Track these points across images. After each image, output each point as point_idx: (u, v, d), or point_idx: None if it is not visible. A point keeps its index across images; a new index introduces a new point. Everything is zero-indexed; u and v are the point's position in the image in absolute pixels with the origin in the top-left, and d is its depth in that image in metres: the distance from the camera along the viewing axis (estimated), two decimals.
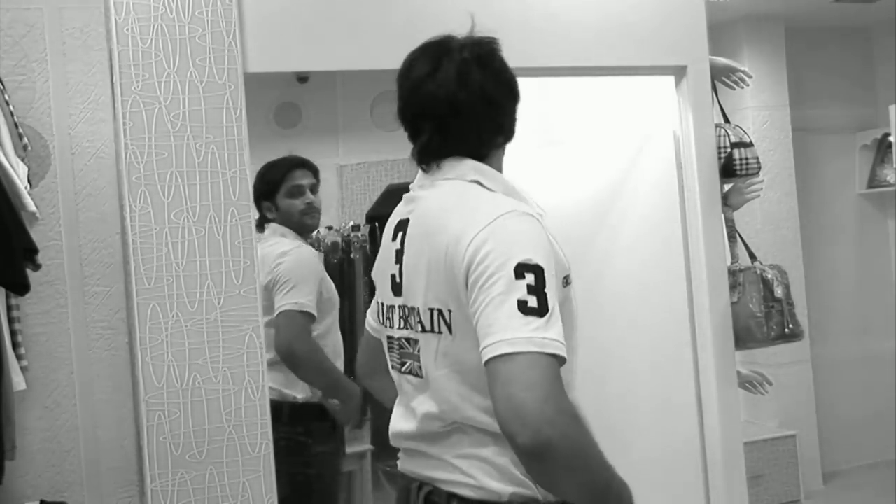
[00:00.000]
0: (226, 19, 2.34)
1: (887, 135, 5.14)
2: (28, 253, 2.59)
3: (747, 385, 3.09)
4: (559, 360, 1.28)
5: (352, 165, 4.47)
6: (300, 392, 2.80)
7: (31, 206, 2.68)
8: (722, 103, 2.99)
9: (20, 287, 2.53)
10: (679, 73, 2.85)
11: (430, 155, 1.52)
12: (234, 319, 2.29)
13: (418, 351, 1.47)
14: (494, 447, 1.41)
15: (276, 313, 2.71)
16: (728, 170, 2.87)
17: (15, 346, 2.70)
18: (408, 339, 1.50)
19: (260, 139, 2.67)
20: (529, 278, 1.30)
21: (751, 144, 2.91)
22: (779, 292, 2.78)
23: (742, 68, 3.00)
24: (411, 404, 1.52)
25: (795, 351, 4.62)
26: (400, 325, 1.52)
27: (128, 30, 2.26)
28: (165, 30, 2.29)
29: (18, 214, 2.55)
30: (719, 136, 2.88)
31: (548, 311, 1.29)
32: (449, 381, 1.43)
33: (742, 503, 2.84)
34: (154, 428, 2.23)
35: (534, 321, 1.28)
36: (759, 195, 3.00)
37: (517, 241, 1.35)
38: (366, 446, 4.07)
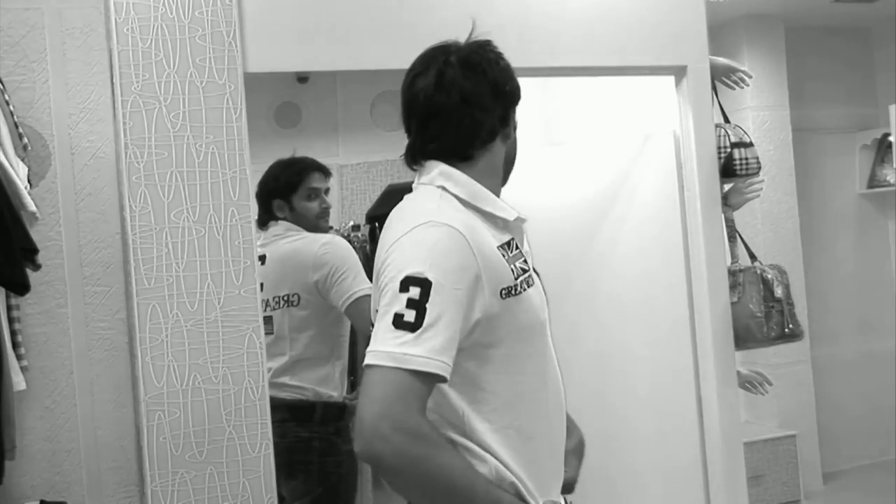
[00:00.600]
0: (226, 19, 2.34)
1: (887, 135, 5.14)
2: (28, 253, 2.59)
3: (747, 385, 3.09)
4: (425, 377, 1.29)
5: (352, 165, 4.47)
6: (334, 390, 2.80)
7: (31, 206, 2.68)
8: (722, 103, 2.99)
9: (20, 287, 2.53)
10: (679, 73, 2.85)
11: (412, 155, 1.57)
12: (234, 319, 2.29)
13: None
14: None
15: (352, 299, 2.68)
16: (728, 170, 2.87)
17: (15, 346, 2.70)
18: None
19: (260, 139, 2.67)
20: (413, 292, 1.32)
21: (751, 144, 2.91)
22: (779, 292, 2.78)
23: (742, 68, 3.01)
24: None
25: (795, 351, 4.62)
26: None
27: (128, 30, 2.26)
28: (165, 30, 2.29)
29: (18, 214, 2.55)
30: (719, 136, 2.88)
31: (421, 326, 1.30)
32: None
33: (742, 503, 2.84)
34: (154, 428, 2.23)
35: (403, 335, 1.30)
36: (759, 195, 3.00)
37: (415, 254, 1.37)
38: None
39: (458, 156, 1.54)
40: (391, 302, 1.33)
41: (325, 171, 2.97)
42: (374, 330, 1.34)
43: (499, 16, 2.58)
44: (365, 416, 1.26)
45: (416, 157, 1.57)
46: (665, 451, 2.96)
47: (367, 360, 1.30)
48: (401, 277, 1.34)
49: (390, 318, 1.32)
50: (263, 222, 2.91)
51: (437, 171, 1.53)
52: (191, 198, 2.28)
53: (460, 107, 1.52)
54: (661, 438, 2.98)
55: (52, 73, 2.98)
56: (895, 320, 5.35)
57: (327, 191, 2.96)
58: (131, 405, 2.89)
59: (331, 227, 3.24)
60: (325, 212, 2.93)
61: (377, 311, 1.38)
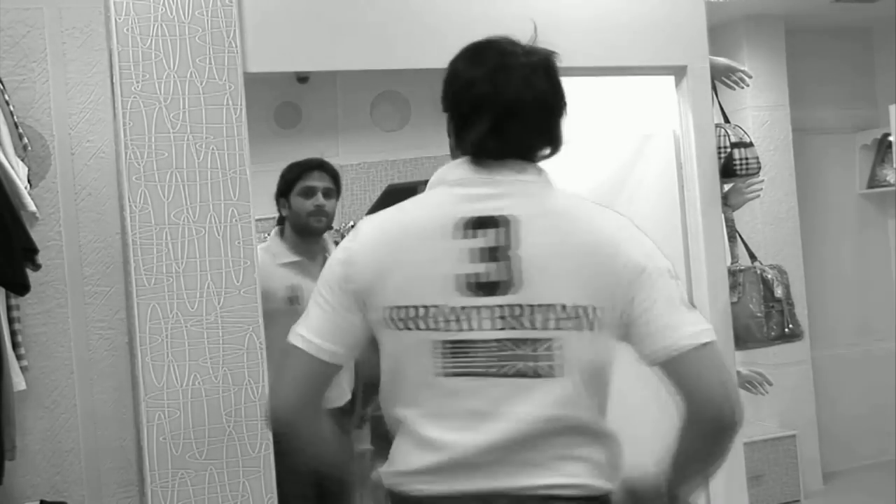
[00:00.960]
0: (226, 19, 2.34)
1: (887, 135, 5.13)
2: (28, 253, 2.59)
3: (747, 385, 3.09)
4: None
5: (352, 165, 4.47)
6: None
7: (31, 206, 2.68)
8: (722, 103, 2.99)
9: (20, 287, 2.53)
10: (679, 73, 2.85)
11: (487, 152, 1.46)
12: (234, 319, 2.29)
13: (547, 350, 1.37)
14: (595, 446, 1.43)
15: None
16: (728, 170, 2.87)
17: (15, 346, 2.70)
18: (522, 341, 1.38)
19: (260, 139, 2.67)
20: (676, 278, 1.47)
21: (751, 144, 2.91)
22: (779, 292, 2.78)
23: (742, 68, 3.01)
24: (499, 409, 1.38)
25: (795, 351, 4.61)
26: (497, 325, 1.39)
27: (128, 30, 2.26)
28: (165, 30, 2.29)
29: (18, 214, 2.55)
30: (719, 136, 2.88)
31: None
32: (575, 380, 1.39)
33: (742, 503, 2.84)
34: (154, 428, 2.23)
35: (696, 312, 1.45)
36: (759, 195, 3.00)
37: (653, 247, 1.51)
38: (366, 446, 4.07)
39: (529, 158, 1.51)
40: (676, 287, 1.42)
41: (327, 170, 2.91)
42: (677, 313, 1.39)
43: (499, 16, 2.58)
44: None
45: (490, 154, 1.46)
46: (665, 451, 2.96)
47: (707, 338, 1.38)
48: (667, 266, 1.43)
49: (684, 301, 1.41)
50: (278, 222, 2.90)
51: (546, 172, 1.51)
52: (191, 198, 2.29)
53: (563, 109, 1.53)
54: (661, 438, 2.98)
55: (52, 73, 2.98)
56: (895, 321, 5.35)
57: (330, 192, 2.89)
58: (131, 405, 2.89)
59: (330, 228, 3.23)
60: (317, 210, 2.83)
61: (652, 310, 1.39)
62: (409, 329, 1.41)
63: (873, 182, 5.42)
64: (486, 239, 1.39)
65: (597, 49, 2.71)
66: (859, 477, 5.11)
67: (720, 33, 4.58)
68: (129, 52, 2.26)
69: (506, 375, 1.38)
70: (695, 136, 2.83)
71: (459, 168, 1.47)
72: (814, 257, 5.16)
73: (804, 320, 3.88)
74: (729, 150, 2.85)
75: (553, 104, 1.50)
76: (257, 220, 2.81)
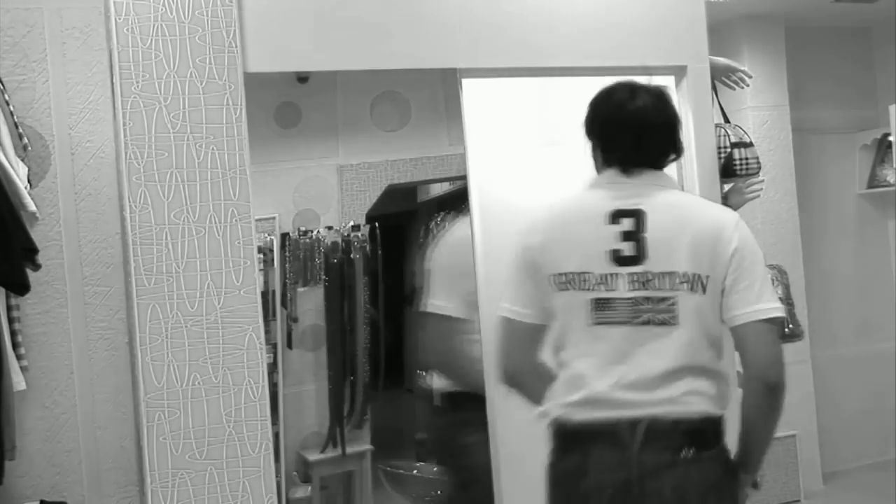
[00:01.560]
0: (226, 19, 2.34)
1: (887, 135, 5.13)
2: (28, 253, 2.59)
3: None
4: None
5: (352, 165, 4.46)
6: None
7: (31, 206, 2.68)
8: (722, 103, 2.99)
9: (20, 287, 2.53)
10: (679, 73, 2.85)
11: (629, 162, 1.95)
12: (234, 319, 2.29)
13: (672, 305, 1.83)
14: (710, 382, 1.87)
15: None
16: (728, 170, 2.87)
17: (15, 346, 2.70)
18: (649, 298, 1.85)
19: (260, 139, 2.66)
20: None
21: (751, 144, 2.91)
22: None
23: (742, 68, 3.01)
24: (640, 351, 1.83)
25: (795, 351, 4.60)
26: (632, 287, 1.85)
27: (128, 30, 2.26)
28: (165, 30, 2.29)
29: (18, 214, 2.55)
30: (719, 136, 2.88)
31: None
32: (692, 329, 1.84)
33: (742, 503, 2.83)
34: (154, 428, 2.23)
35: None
36: (759, 195, 3.00)
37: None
38: (366, 446, 4.07)
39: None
40: (761, 271, 1.87)
41: None
42: (754, 292, 1.84)
43: (499, 16, 2.58)
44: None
45: (633, 163, 1.94)
46: None
47: (766, 315, 1.86)
48: (756, 253, 1.88)
49: (764, 283, 1.87)
50: None
51: (669, 177, 1.99)
52: (191, 198, 2.29)
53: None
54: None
55: (52, 73, 2.98)
56: (895, 321, 5.35)
57: None
58: (131, 405, 2.89)
59: (330, 228, 3.24)
60: None
61: (736, 282, 1.86)
62: (569, 290, 1.89)
63: (873, 182, 5.42)
64: (625, 225, 1.88)
65: (597, 49, 2.71)
66: (859, 477, 5.12)
67: (720, 33, 4.57)
68: (129, 52, 2.26)
69: (640, 324, 1.84)
70: (695, 136, 2.83)
71: (609, 174, 1.97)
72: (814, 257, 5.16)
73: (804, 320, 3.89)
74: (729, 150, 2.85)
75: (672, 123, 1.98)
76: (257, 220, 2.81)
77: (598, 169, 2.01)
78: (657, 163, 1.97)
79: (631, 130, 1.94)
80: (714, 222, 1.89)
